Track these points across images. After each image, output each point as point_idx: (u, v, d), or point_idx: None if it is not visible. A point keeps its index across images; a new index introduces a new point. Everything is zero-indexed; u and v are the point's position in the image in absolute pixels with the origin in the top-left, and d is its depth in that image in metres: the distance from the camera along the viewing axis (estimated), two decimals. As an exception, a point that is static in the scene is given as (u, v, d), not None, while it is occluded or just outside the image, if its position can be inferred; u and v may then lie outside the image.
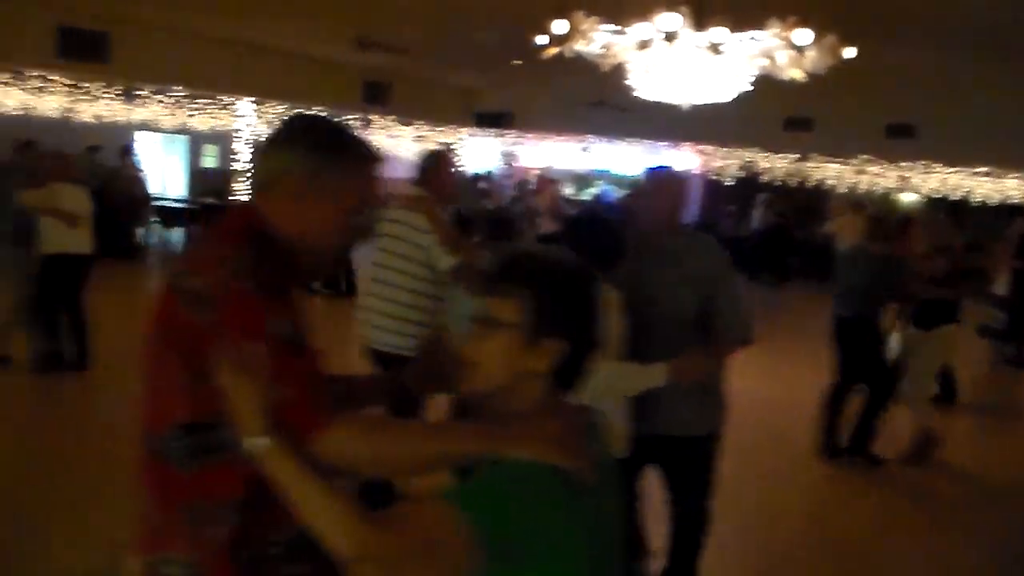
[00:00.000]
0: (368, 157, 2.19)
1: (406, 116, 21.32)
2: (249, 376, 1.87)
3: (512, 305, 1.91)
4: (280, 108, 19.84)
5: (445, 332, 2.50)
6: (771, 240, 20.26)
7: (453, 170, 5.82)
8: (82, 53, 14.14)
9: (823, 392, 8.12)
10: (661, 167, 4.52)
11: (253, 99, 18.96)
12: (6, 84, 16.58)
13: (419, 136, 24.26)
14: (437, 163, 5.65)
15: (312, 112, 2.32)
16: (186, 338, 1.96)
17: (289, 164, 2.11)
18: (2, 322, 8.88)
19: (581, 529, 1.83)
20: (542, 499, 1.77)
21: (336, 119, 2.29)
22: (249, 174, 3.14)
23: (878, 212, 10.60)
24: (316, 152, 2.11)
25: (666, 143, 22.26)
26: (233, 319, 1.92)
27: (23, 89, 17.02)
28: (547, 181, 16.32)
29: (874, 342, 7.97)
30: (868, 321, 7.89)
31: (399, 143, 24.88)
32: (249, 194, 2.06)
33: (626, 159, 25.25)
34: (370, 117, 21.26)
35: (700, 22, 7.75)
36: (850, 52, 7.91)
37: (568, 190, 26.60)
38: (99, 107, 19.11)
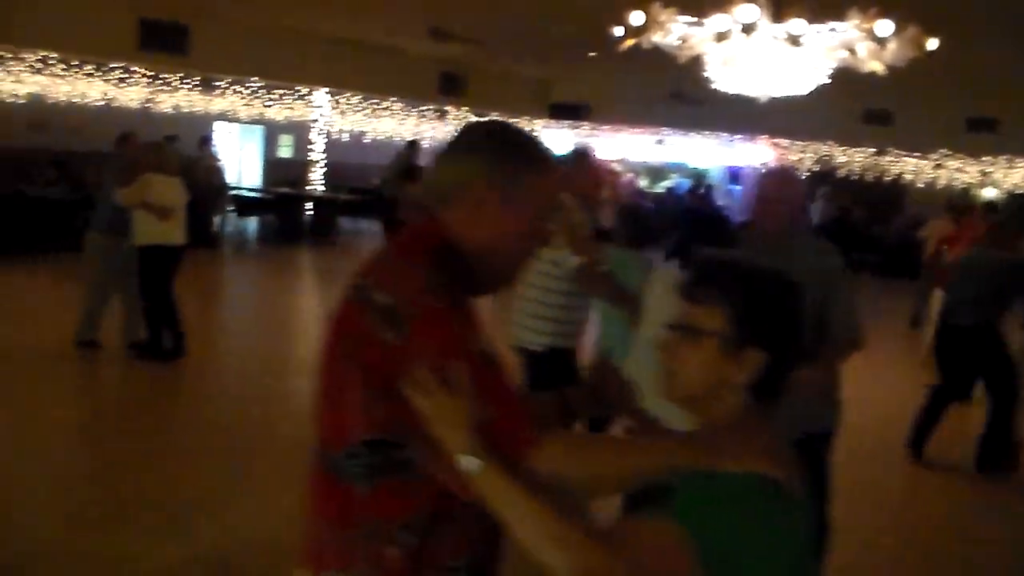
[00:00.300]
0: (549, 159, 2.10)
1: (481, 108, 21.34)
2: (455, 396, 1.82)
3: (714, 313, 1.86)
4: (356, 99, 20.01)
5: (611, 354, 2.45)
6: (829, 235, 20.07)
7: (597, 169, 5.74)
8: (163, 45, 14.42)
9: (920, 392, 7.94)
10: (779, 167, 4.49)
11: (329, 90, 19.13)
12: (89, 75, 16.90)
13: (493, 128, 24.31)
14: (579, 162, 5.58)
15: (489, 118, 2.21)
16: (372, 354, 1.90)
17: (471, 173, 2.02)
18: (90, 308, 8.99)
19: (793, 540, 1.80)
20: (757, 512, 1.73)
21: (506, 120, 2.19)
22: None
23: (998, 217, 10.29)
24: (499, 158, 2.03)
25: (742, 136, 22.10)
26: (430, 338, 1.86)
27: (105, 80, 17.35)
28: (608, 173, 16.20)
29: (999, 349, 7.76)
30: (991, 328, 7.69)
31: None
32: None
33: (701, 152, 25.09)
34: (446, 108, 21.35)
35: (779, 13, 7.67)
36: (932, 44, 7.78)
37: (642, 182, 26.55)
38: (178, 97, 19.41)
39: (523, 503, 1.77)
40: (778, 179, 4.40)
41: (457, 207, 2.03)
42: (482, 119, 2.20)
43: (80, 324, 8.94)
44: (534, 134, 2.13)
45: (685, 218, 4.53)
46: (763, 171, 4.47)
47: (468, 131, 2.15)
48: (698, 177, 26.47)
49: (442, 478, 1.89)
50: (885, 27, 7.54)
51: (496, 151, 2.04)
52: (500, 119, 2.19)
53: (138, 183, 8.42)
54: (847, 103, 16.47)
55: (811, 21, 7.73)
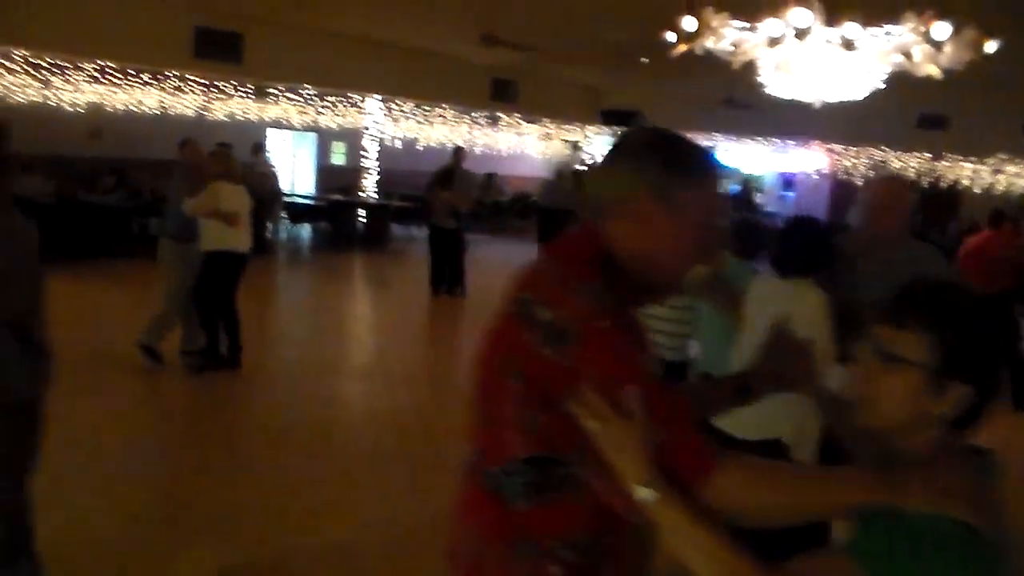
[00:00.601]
0: (712, 166, 2.02)
1: (533, 114, 21.39)
2: (628, 423, 1.75)
3: (920, 341, 1.72)
4: (408, 106, 20.12)
5: (788, 327, 2.35)
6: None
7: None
8: (217, 53, 14.57)
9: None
10: (890, 174, 4.46)
11: (381, 97, 19.24)
12: (145, 84, 17.15)
13: (546, 134, 24.34)
14: None
15: (647, 126, 2.05)
16: (534, 371, 1.83)
17: (635, 183, 1.93)
18: (162, 315, 8.94)
19: None
20: (945, 557, 1.60)
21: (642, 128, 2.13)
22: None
23: None
24: (662, 167, 1.93)
25: (795, 142, 21.96)
26: (598, 358, 1.79)
27: (161, 89, 17.60)
28: None
29: None
30: None
31: (525, 141, 25.00)
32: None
33: (754, 158, 24.97)
34: (497, 114, 21.40)
35: (832, 17, 7.61)
36: (991, 47, 7.67)
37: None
38: (232, 105, 19.65)
39: (700, 536, 1.70)
40: (889, 186, 4.37)
41: (620, 218, 1.96)
42: (641, 127, 2.12)
43: (148, 328, 8.90)
44: (695, 140, 2.06)
45: (786, 226, 4.47)
46: (873, 178, 4.39)
47: (628, 139, 2.05)
48: (744, 182, 26.34)
49: (606, 497, 1.84)
50: (942, 30, 7.45)
51: (660, 160, 1.95)
52: (660, 127, 2.10)
53: (206, 192, 8.44)
54: (902, 107, 16.29)
55: (865, 25, 7.66)
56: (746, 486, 1.79)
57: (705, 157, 2.01)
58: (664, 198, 1.92)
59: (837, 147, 21.81)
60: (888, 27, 7.71)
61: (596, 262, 1.91)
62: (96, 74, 16.04)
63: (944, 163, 20.19)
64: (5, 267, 3.18)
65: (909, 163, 20.58)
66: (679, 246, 1.96)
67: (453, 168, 13.95)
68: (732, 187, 26.65)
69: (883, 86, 8.44)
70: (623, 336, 1.83)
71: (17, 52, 14.04)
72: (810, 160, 24.11)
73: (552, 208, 18.38)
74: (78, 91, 17.01)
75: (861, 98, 8.74)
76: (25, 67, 15.21)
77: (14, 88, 16.20)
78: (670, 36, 8.20)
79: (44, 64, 15.26)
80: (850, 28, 7.58)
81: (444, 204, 13.63)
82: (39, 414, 3.45)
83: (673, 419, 1.80)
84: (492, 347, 1.95)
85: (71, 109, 17.28)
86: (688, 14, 7.96)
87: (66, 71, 15.79)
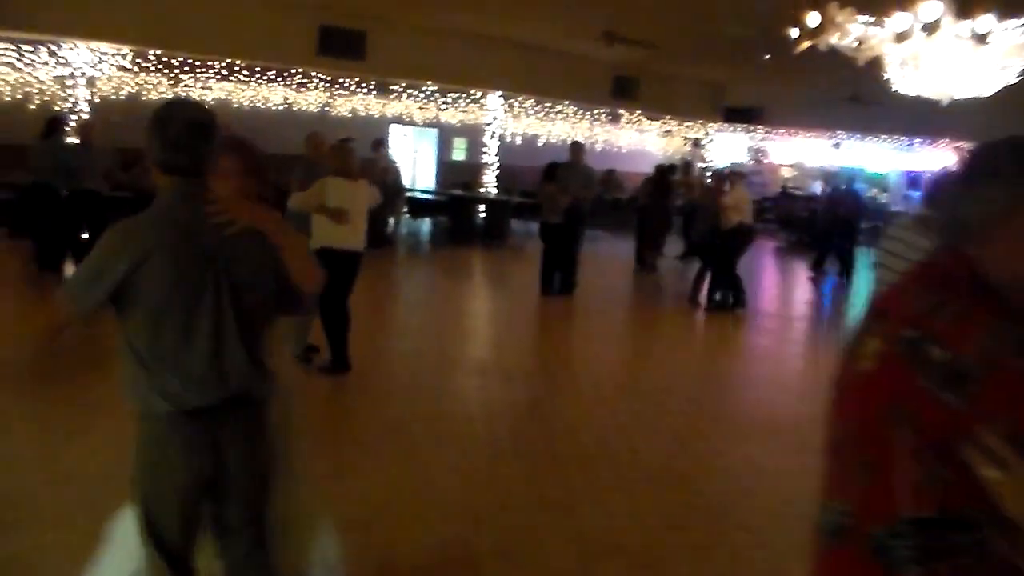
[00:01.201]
0: None
1: (654, 111, 21.25)
2: None
3: None
4: (529, 102, 20.17)
5: None
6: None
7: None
8: (341, 51, 14.83)
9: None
10: None
11: (502, 93, 19.30)
12: (271, 81, 17.52)
13: (667, 131, 24.17)
14: None
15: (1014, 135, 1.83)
16: (929, 419, 1.65)
17: (1011, 199, 1.72)
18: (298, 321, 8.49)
19: None
20: None
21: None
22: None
23: None
24: None
25: (922, 140, 21.45)
26: (1005, 399, 1.59)
27: (286, 86, 17.96)
28: (739, 175, 15.63)
29: None
30: None
31: (646, 138, 24.85)
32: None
33: (879, 156, 24.46)
34: (619, 112, 21.31)
35: (964, 10, 7.41)
36: None
37: (817, 186, 26.11)
38: (355, 101, 19.94)
39: None
40: None
41: (997, 240, 1.74)
42: (1006, 139, 1.84)
43: (293, 341, 8.47)
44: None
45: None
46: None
47: (987, 153, 1.82)
48: (849, 178, 25.84)
49: (1017, 569, 1.63)
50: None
51: None
52: (1016, 136, 1.84)
53: (313, 188, 8.17)
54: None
55: (1000, 18, 7.44)
56: None
57: None
58: None
59: (967, 146, 21.27)
60: None
61: (979, 292, 1.73)
62: (224, 72, 16.44)
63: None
64: (104, 264, 2.84)
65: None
66: None
67: (571, 161, 13.63)
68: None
69: (1017, 80, 8.20)
70: None
71: (151, 51, 14.46)
72: (938, 159, 23.52)
73: (645, 206, 17.97)
74: (207, 88, 17.46)
75: (992, 94, 8.50)
76: (157, 66, 15.65)
77: (147, 86, 16.69)
78: (793, 32, 8.09)
79: (175, 62, 15.68)
80: (983, 21, 7.37)
81: (548, 198, 13.32)
82: (183, 432, 3.02)
83: None
84: (868, 392, 1.78)
85: (200, 106, 17.75)
86: (812, 10, 7.84)
87: (196, 69, 16.23)
